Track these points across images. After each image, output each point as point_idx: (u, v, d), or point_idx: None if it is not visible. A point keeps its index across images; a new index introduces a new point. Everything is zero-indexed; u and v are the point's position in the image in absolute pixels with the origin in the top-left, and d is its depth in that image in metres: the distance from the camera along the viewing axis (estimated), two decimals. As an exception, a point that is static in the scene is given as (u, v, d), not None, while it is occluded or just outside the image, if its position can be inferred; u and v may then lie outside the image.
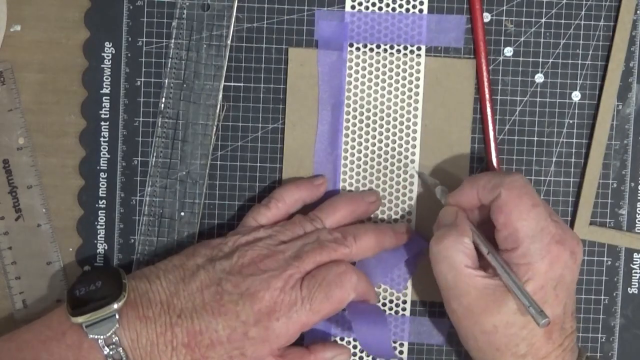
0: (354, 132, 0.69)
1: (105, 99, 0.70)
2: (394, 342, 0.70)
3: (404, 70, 0.69)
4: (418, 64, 0.69)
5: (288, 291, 0.61)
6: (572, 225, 0.69)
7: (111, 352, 0.59)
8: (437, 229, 0.64)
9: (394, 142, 0.69)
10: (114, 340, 0.59)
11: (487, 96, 0.68)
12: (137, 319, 0.60)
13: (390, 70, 0.69)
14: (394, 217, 0.69)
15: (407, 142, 0.69)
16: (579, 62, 0.69)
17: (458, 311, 0.62)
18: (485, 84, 0.68)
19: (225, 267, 0.62)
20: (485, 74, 0.68)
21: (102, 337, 0.59)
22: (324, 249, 0.63)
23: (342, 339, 0.70)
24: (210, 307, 0.61)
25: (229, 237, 0.64)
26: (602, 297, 0.70)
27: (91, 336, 0.59)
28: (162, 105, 0.69)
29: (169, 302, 0.61)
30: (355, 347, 0.70)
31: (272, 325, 0.61)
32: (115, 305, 0.60)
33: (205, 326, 0.60)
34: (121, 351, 0.59)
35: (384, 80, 0.69)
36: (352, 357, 0.70)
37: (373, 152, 0.69)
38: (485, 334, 0.61)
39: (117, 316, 0.60)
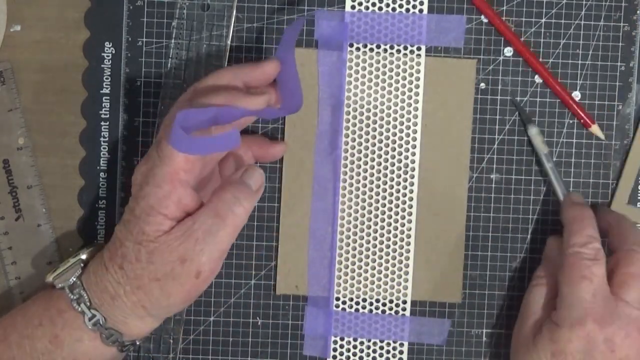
0: (354, 132, 0.69)
1: (105, 99, 0.70)
2: (394, 342, 0.70)
3: (404, 71, 0.69)
4: (418, 64, 0.69)
5: (148, 155, 0.62)
6: (608, 205, 0.70)
7: (76, 296, 0.62)
8: (547, 259, 0.67)
9: (394, 142, 0.69)
10: (77, 283, 0.62)
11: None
12: (93, 261, 0.63)
13: (390, 70, 0.69)
14: (394, 217, 0.69)
15: (407, 142, 0.69)
16: (579, 62, 0.69)
17: None
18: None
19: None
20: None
21: (66, 283, 0.62)
22: None
23: (342, 339, 0.70)
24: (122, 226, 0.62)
25: None
26: (602, 297, 0.70)
27: (58, 285, 0.62)
28: (162, 105, 0.69)
29: (117, 237, 0.62)
30: (355, 347, 0.70)
31: (143, 190, 0.60)
32: (80, 254, 0.64)
33: (117, 233, 0.62)
34: (82, 292, 0.62)
35: (384, 80, 0.69)
36: (352, 357, 0.70)
37: (373, 152, 0.69)
38: None
39: (81, 264, 0.63)
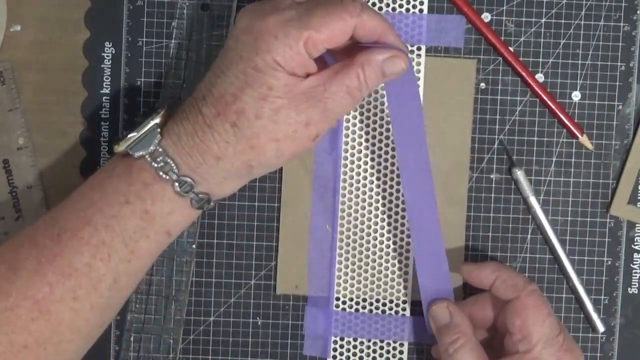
0: (354, 132, 0.69)
1: (105, 99, 0.70)
2: (394, 342, 0.70)
3: (404, 70, 0.69)
4: (418, 64, 0.69)
5: (280, 11, 0.57)
6: (608, 206, 0.70)
7: (161, 164, 0.58)
8: (440, 333, 0.65)
9: (394, 142, 0.69)
10: (159, 151, 0.58)
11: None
12: (173, 123, 0.59)
13: (390, 70, 0.69)
14: (394, 217, 0.69)
15: (407, 142, 0.69)
16: (579, 62, 0.69)
17: None
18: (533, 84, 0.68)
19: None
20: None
21: (146, 151, 0.58)
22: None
23: (342, 339, 0.70)
24: (220, 69, 0.58)
25: None
26: (602, 297, 0.70)
27: (137, 154, 0.58)
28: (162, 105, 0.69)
29: (194, 96, 0.59)
30: (355, 347, 0.70)
31: (269, 45, 0.57)
32: (156, 118, 0.59)
33: (221, 87, 0.58)
34: (169, 160, 0.58)
35: (384, 80, 0.69)
36: (352, 357, 0.70)
37: (373, 152, 0.69)
38: None
39: (158, 129, 0.59)
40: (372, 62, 0.58)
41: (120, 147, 0.59)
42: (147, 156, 0.58)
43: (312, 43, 0.56)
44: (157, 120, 0.59)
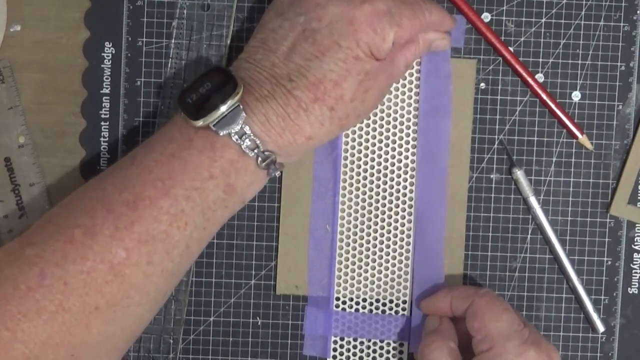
0: (354, 132, 0.69)
1: (105, 99, 0.70)
2: (394, 342, 0.70)
3: (404, 70, 0.69)
4: (418, 64, 0.69)
5: (373, 1, 0.61)
6: (608, 206, 0.69)
7: (248, 143, 0.59)
8: (425, 335, 0.66)
9: (394, 142, 0.69)
10: (245, 130, 0.59)
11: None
12: (257, 101, 0.59)
13: (390, 70, 0.69)
14: (394, 217, 0.69)
15: (407, 142, 0.69)
16: (579, 62, 0.69)
17: None
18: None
19: (299, 10, 0.61)
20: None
21: (233, 130, 0.58)
22: None
23: (342, 339, 0.70)
24: (311, 53, 0.60)
25: None
26: (602, 297, 0.70)
27: (223, 133, 0.58)
28: (162, 105, 0.69)
29: (274, 75, 0.60)
30: (355, 347, 0.70)
31: (369, 38, 0.60)
32: (237, 96, 0.59)
33: (319, 73, 0.60)
34: (254, 137, 0.59)
35: (384, 80, 0.69)
36: (352, 357, 0.70)
37: (373, 152, 0.69)
38: None
39: (241, 106, 0.59)
40: (426, 40, 0.65)
41: (204, 123, 0.59)
42: (233, 134, 0.59)
43: (397, 37, 0.62)
44: (238, 96, 0.59)
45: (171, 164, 0.59)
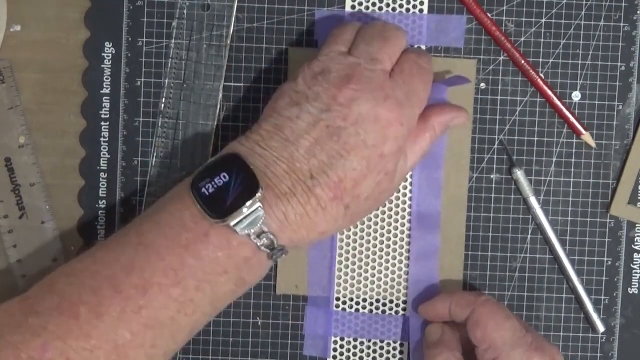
0: (354, 132, 0.69)
1: (105, 99, 0.70)
2: (394, 342, 0.70)
3: (404, 70, 0.69)
4: (418, 64, 0.69)
5: (392, 94, 0.61)
6: (608, 206, 0.69)
7: (265, 241, 0.58)
8: (427, 347, 0.66)
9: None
10: (263, 228, 0.58)
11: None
12: (277, 199, 0.58)
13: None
14: (394, 217, 0.69)
15: (407, 142, 0.69)
16: (579, 62, 0.69)
17: None
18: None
19: (320, 106, 0.60)
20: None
21: (252, 230, 0.57)
22: (387, 40, 0.63)
23: (342, 339, 0.70)
24: (336, 151, 0.59)
25: (299, 75, 0.62)
26: (602, 297, 0.70)
27: (242, 233, 0.57)
28: (162, 105, 0.69)
29: (293, 169, 0.59)
30: (355, 347, 0.70)
31: (397, 132, 0.60)
32: (259, 196, 0.57)
33: (341, 172, 0.59)
34: (271, 236, 0.58)
35: (384, 80, 0.69)
36: (352, 357, 0.70)
37: (373, 152, 0.69)
38: None
39: (261, 205, 0.58)
40: (442, 124, 0.65)
41: (229, 223, 0.57)
42: (252, 235, 0.58)
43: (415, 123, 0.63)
44: (259, 194, 0.58)
45: (184, 255, 0.58)
